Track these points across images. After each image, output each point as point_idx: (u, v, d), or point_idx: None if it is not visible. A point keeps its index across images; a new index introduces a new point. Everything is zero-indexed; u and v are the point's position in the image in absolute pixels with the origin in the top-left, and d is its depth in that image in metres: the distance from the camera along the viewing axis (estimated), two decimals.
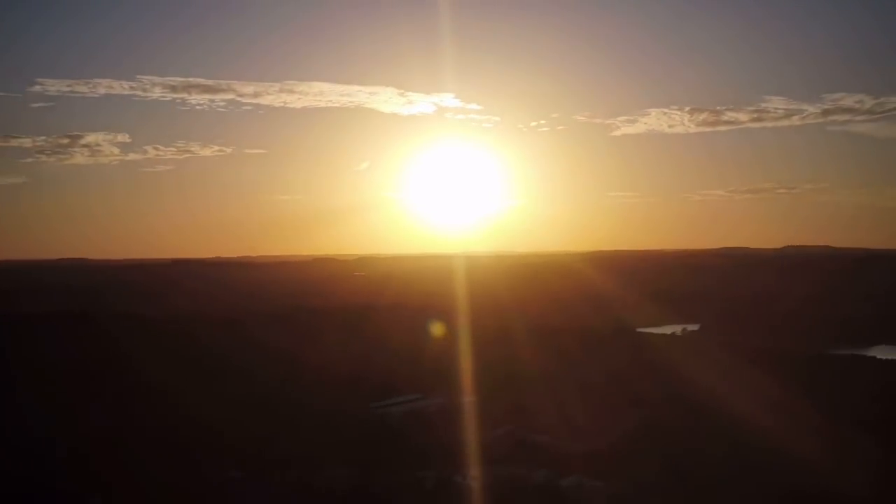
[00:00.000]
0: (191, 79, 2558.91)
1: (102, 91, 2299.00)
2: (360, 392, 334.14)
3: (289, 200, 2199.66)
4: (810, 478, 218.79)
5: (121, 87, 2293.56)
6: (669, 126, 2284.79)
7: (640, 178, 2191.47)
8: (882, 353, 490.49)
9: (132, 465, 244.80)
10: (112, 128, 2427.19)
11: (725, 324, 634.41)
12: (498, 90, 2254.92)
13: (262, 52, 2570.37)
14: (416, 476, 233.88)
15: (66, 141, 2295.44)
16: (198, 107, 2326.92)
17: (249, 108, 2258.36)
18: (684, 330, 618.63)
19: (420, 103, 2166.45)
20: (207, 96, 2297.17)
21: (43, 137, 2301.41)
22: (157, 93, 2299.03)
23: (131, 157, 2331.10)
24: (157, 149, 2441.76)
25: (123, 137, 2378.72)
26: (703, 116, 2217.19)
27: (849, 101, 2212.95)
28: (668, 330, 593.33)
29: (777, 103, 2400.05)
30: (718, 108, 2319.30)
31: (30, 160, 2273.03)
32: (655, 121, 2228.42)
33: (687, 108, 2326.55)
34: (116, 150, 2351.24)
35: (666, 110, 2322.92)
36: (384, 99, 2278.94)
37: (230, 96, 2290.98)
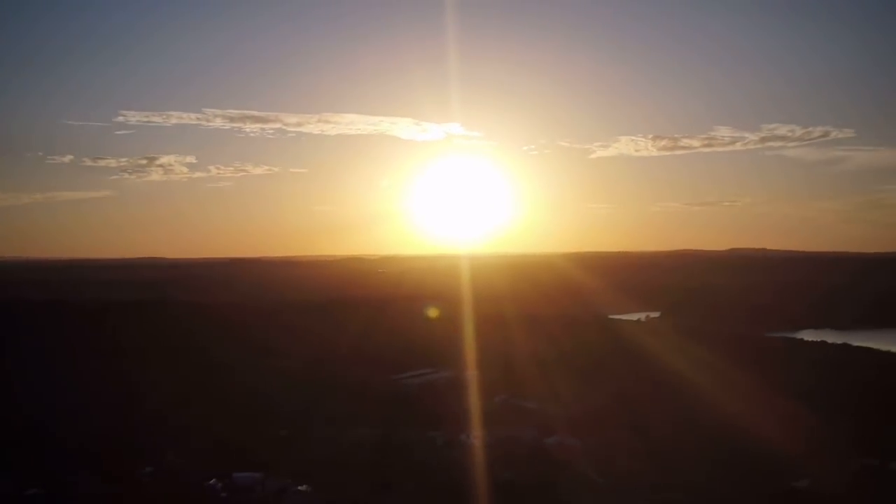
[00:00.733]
0: (246, 111, 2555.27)
1: (174, 121, 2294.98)
2: (383, 367, 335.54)
3: (325, 210, 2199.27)
4: (750, 437, 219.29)
5: (189, 118, 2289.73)
6: (636, 150, 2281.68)
7: (612, 192, 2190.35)
8: (808, 336, 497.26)
9: (200, 425, 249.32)
10: (181, 151, 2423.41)
11: (681, 312, 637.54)
12: (496, 120, 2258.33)
13: (304, 89, 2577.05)
14: (429, 435, 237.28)
15: (144, 162, 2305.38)
16: (251, 134, 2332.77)
17: (293, 135, 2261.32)
18: (647, 317, 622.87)
19: (432, 131, 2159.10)
20: (259, 125, 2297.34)
21: (125, 159, 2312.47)
22: (218, 122, 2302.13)
23: (197, 175, 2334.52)
24: (218, 168, 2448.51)
25: (191, 159, 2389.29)
26: (663, 142, 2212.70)
27: (782, 130, 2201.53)
28: (634, 317, 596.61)
29: (724, 132, 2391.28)
30: (676, 135, 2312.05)
31: (114, 177, 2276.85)
32: (624, 146, 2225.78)
33: (650, 136, 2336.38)
34: (185, 170, 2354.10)
35: (633, 137, 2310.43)
36: (402, 127, 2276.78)
37: (278, 125, 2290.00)
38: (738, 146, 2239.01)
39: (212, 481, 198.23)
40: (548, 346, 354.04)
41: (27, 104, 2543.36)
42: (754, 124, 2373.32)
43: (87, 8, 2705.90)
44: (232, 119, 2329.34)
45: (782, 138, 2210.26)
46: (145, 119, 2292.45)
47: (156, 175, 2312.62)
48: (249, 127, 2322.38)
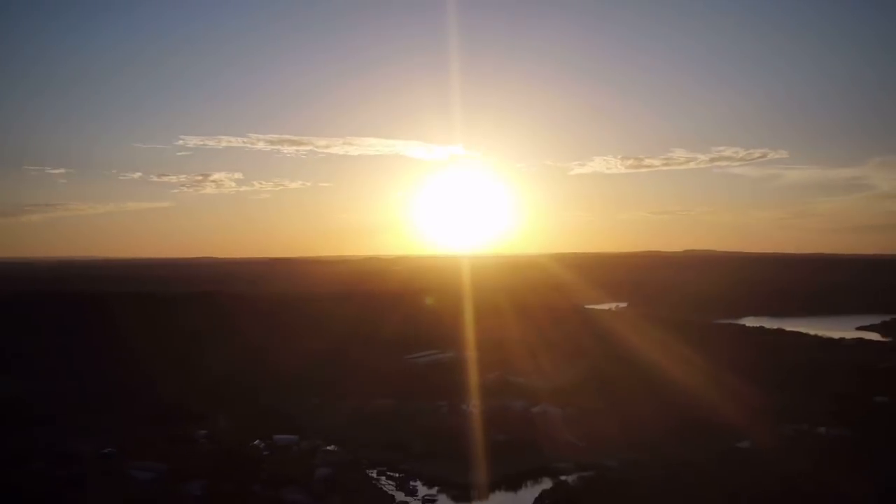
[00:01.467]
0: (283, 136, 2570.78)
1: (224, 144, 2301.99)
2: (396, 349, 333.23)
3: (347, 217, 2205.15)
4: (701, 406, 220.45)
5: (236, 142, 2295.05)
6: (607, 168, 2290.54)
7: (587, 203, 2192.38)
8: (749, 321, 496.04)
9: (246, 396, 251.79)
10: (230, 169, 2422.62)
11: (644, 302, 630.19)
12: (492, 142, 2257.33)
13: (331, 117, 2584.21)
14: (435, 404, 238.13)
15: (199, 178, 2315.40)
16: (287, 155, 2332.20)
17: (322, 155, 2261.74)
18: (617, 306, 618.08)
19: (438, 151, 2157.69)
20: (294, 147, 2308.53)
21: (184, 175, 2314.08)
22: (260, 145, 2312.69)
23: (243, 189, 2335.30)
24: (260, 183, 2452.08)
25: (238, 175, 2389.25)
26: (629, 162, 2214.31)
27: (728, 151, 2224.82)
28: (606, 307, 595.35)
29: (680, 153, 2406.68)
30: (640, 156, 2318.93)
31: (175, 191, 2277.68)
32: (598, 165, 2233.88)
33: (619, 156, 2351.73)
34: (233, 184, 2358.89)
35: (605, 157, 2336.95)
36: (413, 149, 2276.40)
37: (309, 147, 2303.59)
38: (691, 165, 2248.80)
39: (256, 442, 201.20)
40: (534, 332, 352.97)
41: (105, 131, 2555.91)
42: (705, 147, 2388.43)
43: (154, 53, 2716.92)
44: (272, 142, 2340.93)
45: (728, 158, 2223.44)
46: (201, 143, 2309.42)
47: (209, 189, 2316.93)
48: (286, 149, 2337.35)
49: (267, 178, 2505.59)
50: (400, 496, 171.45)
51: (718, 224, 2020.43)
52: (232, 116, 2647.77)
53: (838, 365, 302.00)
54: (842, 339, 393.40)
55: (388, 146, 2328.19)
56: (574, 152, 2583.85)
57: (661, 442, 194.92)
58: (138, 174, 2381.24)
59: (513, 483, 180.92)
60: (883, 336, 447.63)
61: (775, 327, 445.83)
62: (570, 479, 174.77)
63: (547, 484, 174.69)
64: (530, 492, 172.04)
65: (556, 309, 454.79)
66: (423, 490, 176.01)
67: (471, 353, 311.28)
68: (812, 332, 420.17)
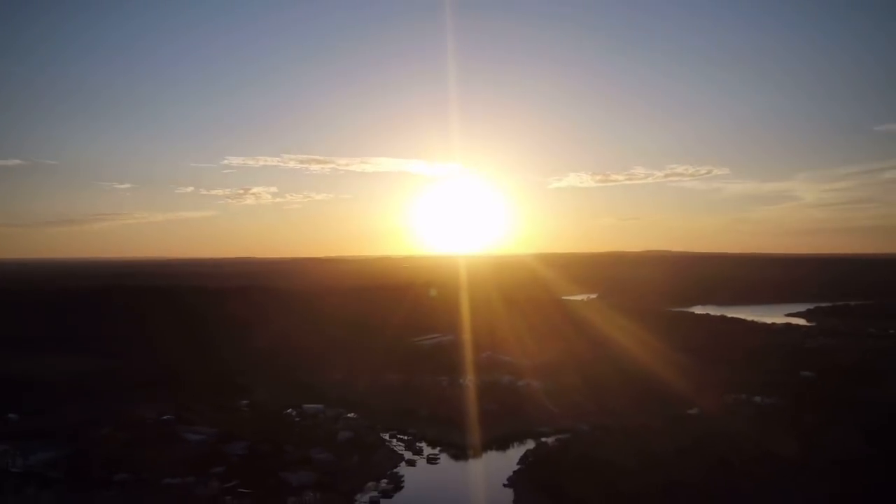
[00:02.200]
0: (311, 156, 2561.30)
1: (261, 163, 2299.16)
2: (405, 333, 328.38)
3: (364, 224, 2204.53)
4: (657, 379, 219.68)
5: (272, 161, 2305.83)
6: (580, 182, 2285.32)
7: (564, 211, 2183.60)
8: (697, 309, 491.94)
9: (278, 372, 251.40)
10: (267, 184, 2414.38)
11: (611, 294, 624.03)
12: (485, 160, 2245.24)
13: (350, 140, 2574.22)
14: (438, 379, 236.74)
15: (241, 191, 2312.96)
16: (314, 172, 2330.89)
17: (343, 172, 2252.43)
18: (588, 297, 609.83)
19: (439, 169, 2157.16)
20: (320, 165, 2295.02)
21: (228, 189, 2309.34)
22: (292, 164, 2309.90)
23: (277, 200, 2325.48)
24: (292, 196, 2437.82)
25: (273, 189, 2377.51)
26: (598, 177, 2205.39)
27: (679, 168, 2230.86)
28: (579, 298, 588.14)
29: (639, 170, 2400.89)
30: (607, 172, 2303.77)
31: (220, 202, 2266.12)
32: (572, 179, 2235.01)
33: (590, 172, 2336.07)
34: (269, 197, 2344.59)
35: (578, 173, 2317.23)
36: (417, 166, 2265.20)
37: (332, 166, 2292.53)
38: (649, 180, 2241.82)
39: (289, 410, 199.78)
40: (519, 319, 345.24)
41: (163, 152, 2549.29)
42: (660, 165, 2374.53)
43: (204, 87, 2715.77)
44: (301, 161, 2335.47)
45: (679, 174, 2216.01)
46: (242, 162, 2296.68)
47: (249, 200, 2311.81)
48: (313, 167, 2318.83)
49: (297, 192, 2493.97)
50: (408, 454, 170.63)
51: (672, 228, 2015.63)
52: (268, 140, 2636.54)
53: (771, 345, 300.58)
54: (773, 324, 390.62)
55: (396, 164, 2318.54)
56: (552, 169, 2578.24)
57: (625, 409, 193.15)
58: (190, 188, 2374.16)
59: (502, 444, 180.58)
60: (808, 321, 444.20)
61: (719, 314, 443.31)
62: (549, 440, 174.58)
63: (530, 444, 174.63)
64: (516, 451, 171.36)
65: (537, 300, 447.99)
66: (427, 450, 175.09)
67: (466, 337, 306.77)
68: (749, 318, 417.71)
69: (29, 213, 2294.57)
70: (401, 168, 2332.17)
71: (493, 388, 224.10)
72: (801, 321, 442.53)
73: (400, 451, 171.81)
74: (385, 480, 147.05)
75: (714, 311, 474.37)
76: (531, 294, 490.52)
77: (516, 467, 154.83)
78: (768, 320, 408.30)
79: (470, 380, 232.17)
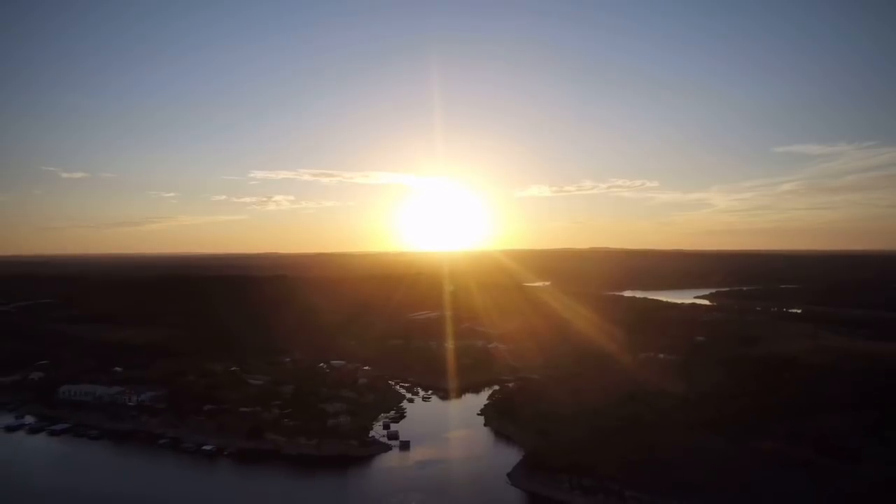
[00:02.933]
0: (321, 170, 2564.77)
1: (281, 176, 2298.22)
2: (403, 309, 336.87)
3: (366, 226, 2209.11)
4: (593, 343, 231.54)
5: (290, 174, 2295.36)
6: (539, 192, 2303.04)
7: (527, 215, 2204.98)
8: (627, 293, 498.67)
9: (308, 338, 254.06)
10: (286, 193, 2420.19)
11: (561, 282, 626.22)
12: (467, 174, 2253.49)
13: (354, 156, 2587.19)
14: (429, 343, 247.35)
15: (265, 199, 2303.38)
16: (325, 183, 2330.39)
17: (349, 183, 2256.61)
18: (543, 284, 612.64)
19: (428, 181, 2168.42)
20: (328, 178, 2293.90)
21: (255, 197, 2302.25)
22: (306, 177, 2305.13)
23: (294, 206, 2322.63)
24: (306, 203, 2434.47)
25: (291, 198, 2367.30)
26: (555, 188, 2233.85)
27: (618, 181, 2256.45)
28: (536, 284, 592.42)
29: (588, 182, 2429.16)
30: (561, 184, 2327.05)
31: (248, 208, 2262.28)
32: (533, 190, 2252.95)
33: (548, 184, 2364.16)
34: (288, 204, 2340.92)
35: (538, 185, 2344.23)
36: (409, 179, 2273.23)
37: (339, 179, 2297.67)
38: (595, 190, 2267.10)
39: (321, 364, 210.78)
40: (489, 299, 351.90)
41: (201, 167, 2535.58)
42: (604, 178, 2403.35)
43: (234, 111, 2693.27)
44: (314, 175, 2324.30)
45: (619, 186, 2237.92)
46: (265, 175, 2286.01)
47: (272, 207, 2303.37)
48: (324, 179, 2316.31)
49: (311, 200, 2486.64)
50: (409, 395, 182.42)
51: (612, 230, 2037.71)
52: (286, 157, 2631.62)
53: (677, 318, 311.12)
54: (681, 304, 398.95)
55: (392, 177, 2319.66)
56: (518, 181, 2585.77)
57: (566, 364, 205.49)
58: (223, 196, 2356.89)
59: (476, 388, 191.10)
60: (710, 301, 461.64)
61: (643, 296, 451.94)
62: (509, 385, 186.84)
63: (496, 388, 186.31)
64: (486, 392, 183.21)
65: (504, 286, 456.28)
66: (422, 392, 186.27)
67: (450, 313, 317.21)
68: (664, 299, 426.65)
69: (92, 217, 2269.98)
70: (396, 180, 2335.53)
71: (469, 349, 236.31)
72: (705, 301, 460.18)
73: (402, 393, 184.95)
74: (393, 411, 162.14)
75: (640, 294, 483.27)
76: (500, 281, 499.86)
77: (486, 402, 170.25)
78: (678, 301, 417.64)
79: (453, 343, 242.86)
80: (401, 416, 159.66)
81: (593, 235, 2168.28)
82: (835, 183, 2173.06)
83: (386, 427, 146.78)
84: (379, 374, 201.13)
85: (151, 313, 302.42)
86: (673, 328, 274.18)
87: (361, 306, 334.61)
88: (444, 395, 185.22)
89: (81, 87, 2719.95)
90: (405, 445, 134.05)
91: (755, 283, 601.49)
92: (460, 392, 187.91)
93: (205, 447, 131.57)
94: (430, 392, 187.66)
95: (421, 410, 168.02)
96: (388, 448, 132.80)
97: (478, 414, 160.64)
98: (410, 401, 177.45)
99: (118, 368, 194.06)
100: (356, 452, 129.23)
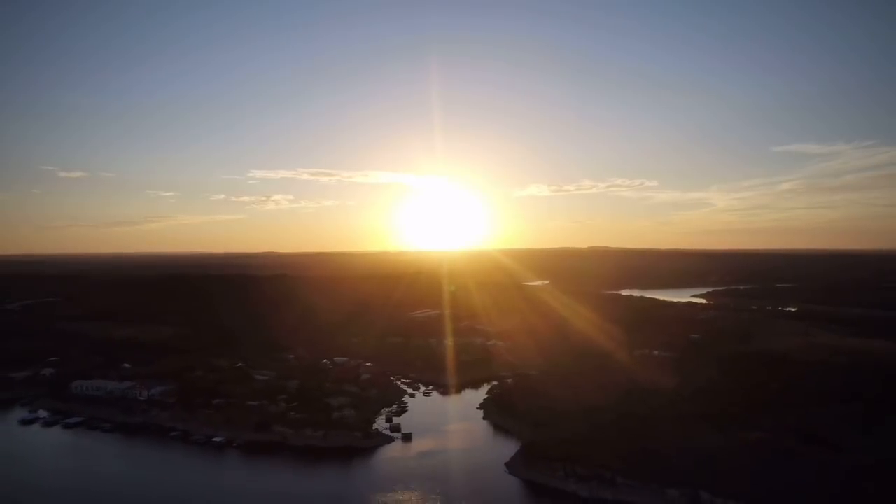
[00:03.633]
0: (320, 169, 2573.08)
1: (280, 175, 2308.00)
2: (403, 308, 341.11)
3: (366, 225, 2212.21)
4: (591, 341, 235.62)
5: (289, 173, 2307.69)
6: (538, 192, 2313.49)
7: (525, 215, 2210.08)
8: (625, 292, 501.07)
9: (310, 336, 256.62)
10: (285, 192, 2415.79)
11: (560, 280, 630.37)
12: (465, 174, 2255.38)
13: (353, 156, 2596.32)
14: (428, 340, 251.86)
15: (263, 198, 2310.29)
16: (324, 182, 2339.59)
17: (348, 183, 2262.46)
18: (542, 283, 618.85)
19: (427, 181, 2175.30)
20: (327, 177, 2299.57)
21: (253, 196, 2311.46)
22: (305, 176, 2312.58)
23: (293, 205, 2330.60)
24: (305, 202, 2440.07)
25: (290, 197, 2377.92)
26: (553, 187, 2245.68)
27: (618, 181, 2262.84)
28: (535, 283, 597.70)
29: (587, 182, 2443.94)
30: (560, 184, 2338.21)
31: (247, 207, 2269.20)
32: (532, 190, 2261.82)
33: (546, 184, 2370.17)
34: (287, 203, 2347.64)
35: (537, 185, 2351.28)
36: (407, 179, 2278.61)
37: (338, 178, 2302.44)
38: (594, 190, 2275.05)
39: (324, 361, 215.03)
40: (488, 298, 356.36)
41: (200, 167, 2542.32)
42: (603, 178, 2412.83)
43: (233, 113, 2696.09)
44: (312, 174, 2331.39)
45: (618, 185, 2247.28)
46: (264, 175, 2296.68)
47: (271, 206, 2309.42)
48: (323, 178, 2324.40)
49: (310, 199, 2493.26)
50: (410, 391, 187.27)
51: (611, 229, 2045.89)
52: (285, 156, 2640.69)
53: (673, 317, 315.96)
54: (678, 302, 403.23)
55: (391, 177, 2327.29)
56: (517, 181, 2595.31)
57: (563, 361, 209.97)
58: (222, 196, 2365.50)
59: (475, 384, 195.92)
60: (706, 300, 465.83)
61: (640, 295, 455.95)
62: (508, 380, 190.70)
63: (495, 383, 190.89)
64: (485, 388, 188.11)
65: (503, 285, 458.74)
66: (423, 388, 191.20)
67: (449, 312, 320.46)
68: (661, 298, 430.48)
69: (91, 216, 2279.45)
70: (395, 180, 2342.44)
71: (469, 347, 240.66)
72: (701, 300, 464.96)
73: (404, 389, 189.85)
74: (395, 406, 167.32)
75: (637, 293, 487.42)
76: (499, 281, 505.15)
77: (485, 397, 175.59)
78: (675, 299, 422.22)
79: (452, 341, 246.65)
80: (402, 410, 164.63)
81: (592, 235, 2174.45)
82: (834, 182, 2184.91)
83: (388, 420, 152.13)
84: (380, 370, 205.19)
85: (154, 312, 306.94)
86: (669, 326, 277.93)
87: (361, 305, 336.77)
88: (444, 391, 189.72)
89: (81, 87, 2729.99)
90: (407, 437, 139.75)
91: (752, 283, 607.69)
92: (460, 388, 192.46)
93: (214, 439, 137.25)
94: (430, 388, 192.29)
95: (422, 405, 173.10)
96: (390, 440, 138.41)
97: (477, 408, 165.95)
98: (412, 396, 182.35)
99: (126, 365, 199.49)
100: (360, 444, 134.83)
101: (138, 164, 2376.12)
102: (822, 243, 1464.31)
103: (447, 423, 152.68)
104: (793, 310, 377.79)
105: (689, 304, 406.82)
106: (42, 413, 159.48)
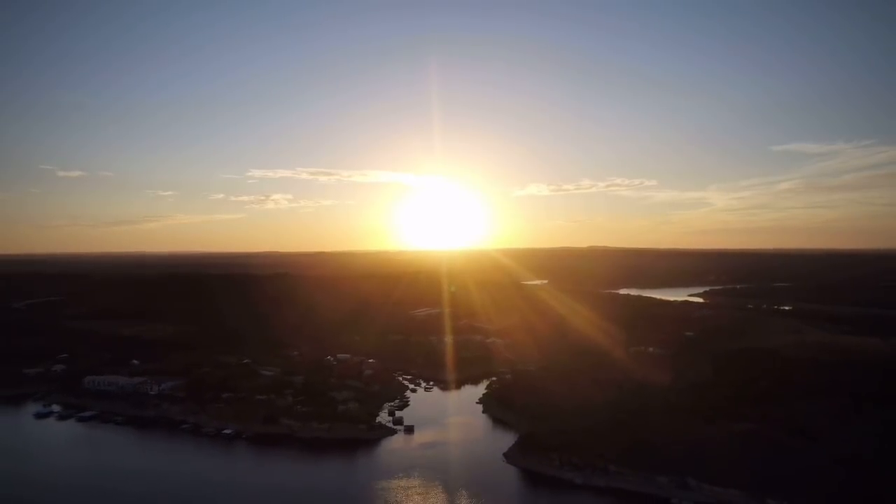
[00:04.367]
0: (319, 168, 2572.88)
1: (279, 175, 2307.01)
2: (404, 306, 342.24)
3: (365, 224, 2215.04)
4: (588, 339, 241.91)
5: (288, 173, 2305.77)
6: (538, 191, 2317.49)
7: (525, 214, 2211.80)
8: (622, 291, 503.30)
9: (312, 334, 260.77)
10: (284, 192, 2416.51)
11: (559, 280, 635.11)
12: (463, 174, 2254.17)
13: (352, 155, 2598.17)
14: (429, 338, 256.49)
15: (262, 198, 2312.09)
16: (323, 181, 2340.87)
17: (347, 182, 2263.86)
18: (541, 282, 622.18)
19: (425, 180, 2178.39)
20: (327, 177, 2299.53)
21: (252, 196, 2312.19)
22: (304, 175, 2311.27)
23: (293, 205, 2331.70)
24: (305, 201, 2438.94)
25: (289, 196, 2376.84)
26: (552, 187, 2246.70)
27: (617, 180, 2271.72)
28: (534, 282, 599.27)
29: (586, 181, 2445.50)
30: (559, 183, 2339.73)
31: (246, 206, 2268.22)
32: (531, 189, 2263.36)
33: (546, 183, 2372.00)
34: (286, 202, 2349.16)
35: (537, 184, 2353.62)
36: (407, 178, 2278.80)
37: (337, 177, 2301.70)
38: (593, 189, 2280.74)
39: (327, 357, 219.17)
40: (487, 297, 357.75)
41: (199, 166, 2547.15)
42: (602, 177, 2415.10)
43: (232, 114, 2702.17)
44: (312, 173, 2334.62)
45: (617, 185, 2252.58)
46: (263, 174, 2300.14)
47: (270, 205, 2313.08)
48: (321, 178, 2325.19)
49: (309, 198, 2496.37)
50: (411, 386, 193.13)
51: (610, 228, 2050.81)
52: (284, 156, 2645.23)
53: (669, 315, 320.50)
54: (674, 301, 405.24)
55: (390, 176, 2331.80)
56: (516, 180, 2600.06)
57: (561, 357, 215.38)
58: (221, 195, 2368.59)
59: (475, 380, 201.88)
60: (702, 299, 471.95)
61: (637, 294, 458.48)
62: (507, 376, 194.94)
63: (493, 379, 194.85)
64: (484, 384, 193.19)
65: (502, 284, 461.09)
66: (423, 384, 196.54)
67: (449, 310, 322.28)
68: (658, 296, 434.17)
69: (90, 215, 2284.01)
70: (394, 179, 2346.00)
71: (468, 343, 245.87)
72: (697, 299, 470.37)
73: (406, 384, 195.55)
74: (397, 400, 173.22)
75: (635, 292, 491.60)
76: (498, 280, 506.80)
77: (484, 392, 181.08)
78: (672, 298, 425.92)
79: (452, 339, 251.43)
80: (405, 404, 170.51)
81: (591, 234, 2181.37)
82: (833, 182, 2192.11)
83: (391, 413, 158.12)
84: (383, 366, 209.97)
85: (158, 310, 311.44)
86: (665, 324, 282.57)
87: (362, 304, 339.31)
88: (445, 387, 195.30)
89: (80, 87, 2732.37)
90: (409, 429, 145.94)
91: (750, 282, 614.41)
92: (460, 384, 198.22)
93: (225, 431, 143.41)
94: (431, 384, 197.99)
95: (423, 399, 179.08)
96: (393, 432, 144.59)
97: (477, 402, 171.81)
98: (413, 391, 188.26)
99: (135, 361, 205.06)
100: (365, 435, 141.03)
101: (137, 163, 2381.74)
102: (820, 243, 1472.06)
103: (448, 417, 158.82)
104: (788, 308, 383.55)
105: (686, 302, 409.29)
106: (55, 407, 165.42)
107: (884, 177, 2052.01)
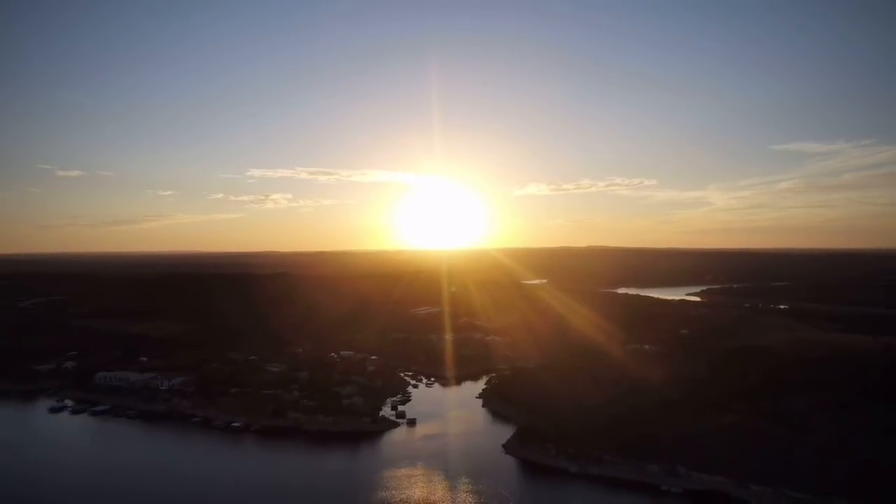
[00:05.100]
0: (319, 168, 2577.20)
1: (279, 174, 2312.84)
2: (405, 305, 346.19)
3: (364, 224, 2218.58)
4: (587, 338, 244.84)
5: (288, 172, 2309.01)
6: (537, 191, 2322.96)
7: (524, 214, 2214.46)
8: (621, 290, 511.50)
9: (315, 332, 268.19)
10: (283, 191, 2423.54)
11: (558, 279, 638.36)
12: (463, 173, 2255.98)
13: (352, 155, 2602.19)
14: (429, 336, 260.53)
15: (262, 197, 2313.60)
16: (323, 181, 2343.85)
17: (347, 182, 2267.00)
18: (540, 281, 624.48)
19: (425, 180, 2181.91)
20: (326, 176, 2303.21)
21: (252, 195, 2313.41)
22: (304, 175, 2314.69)
23: (292, 205, 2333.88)
24: (304, 201, 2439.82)
25: (289, 196, 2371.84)
26: (552, 187, 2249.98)
27: (617, 180, 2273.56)
28: (533, 282, 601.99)
29: (586, 181, 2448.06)
30: (559, 183, 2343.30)
31: (246, 206, 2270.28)
32: (531, 189, 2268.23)
33: (546, 183, 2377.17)
34: (286, 202, 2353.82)
35: (536, 184, 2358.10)
36: (407, 178, 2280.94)
37: (336, 177, 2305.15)
38: (593, 189, 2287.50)
39: (331, 354, 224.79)
40: (487, 296, 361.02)
41: (199, 166, 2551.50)
42: (602, 176, 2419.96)
43: (232, 114, 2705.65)
44: (311, 173, 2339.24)
45: (617, 184, 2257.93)
46: (262, 174, 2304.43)
47: (269, 205, 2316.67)
48: (321, 177, 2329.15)
49: (309, 198, 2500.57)
50: (413, 382, 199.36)
51: (610, 228, 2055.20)
52: (283, 155, 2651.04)
53: (665, 313, 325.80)
54: (672, 300, 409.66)
55: (390, 175, 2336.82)
56: (516, 180, 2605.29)
57: (559, 355, 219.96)
58: (221, 195, 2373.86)
59: (475, 376, 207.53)
60: (700, 298, 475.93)
61: (635, 293, 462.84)
62: (506, 373, 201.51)
63: (493, 375, 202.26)
64: (484, 380, 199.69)
65: (502, 283, 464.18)
66: (425, 380, 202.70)
67: (449, 309, 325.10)
68: (656, 295, 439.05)
69: (90, 215, 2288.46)
70: (394, 179, 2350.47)
71: (468, 342, 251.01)
72: (695, 298, 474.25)
73: (408, 380, 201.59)
74: (400, 395, 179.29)
75: (634, 291, 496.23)
76: (497, 279, 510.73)
77: (484, 387, 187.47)
78: (670, 297, 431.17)
79: (452, 337, 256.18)
80: (407, 399, 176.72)
81: (591, 234, 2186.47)
82: (832, 181, 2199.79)
83: (394, 408, 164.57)
84: (386, 363, 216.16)
85: (162, 309, 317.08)
86: (662, 323, 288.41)
87: (363, 303, 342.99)
88: (446, 383, 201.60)
89: (80, 86, 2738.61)
90: (412, 422, 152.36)
91: (748, 281, 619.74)
92: (460, 380, 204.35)
93: (234, 424, 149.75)
94: (432, 380, 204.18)
95: (425, 394, 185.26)
96: (396, 425, 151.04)
97: (476, 397, 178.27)
98: (415, 387, 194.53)
99: (144, 358, 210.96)
100: (369, 428, 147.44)
101: (137, 163, 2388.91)
102: (820, 242, 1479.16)
103: (449, 411, 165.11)
104: (784, 307, 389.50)
105: (683, 301, 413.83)
106: (68, 402, 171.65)
107: (884, 176, 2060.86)
